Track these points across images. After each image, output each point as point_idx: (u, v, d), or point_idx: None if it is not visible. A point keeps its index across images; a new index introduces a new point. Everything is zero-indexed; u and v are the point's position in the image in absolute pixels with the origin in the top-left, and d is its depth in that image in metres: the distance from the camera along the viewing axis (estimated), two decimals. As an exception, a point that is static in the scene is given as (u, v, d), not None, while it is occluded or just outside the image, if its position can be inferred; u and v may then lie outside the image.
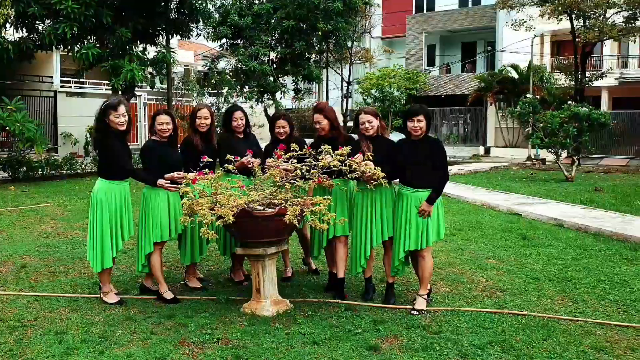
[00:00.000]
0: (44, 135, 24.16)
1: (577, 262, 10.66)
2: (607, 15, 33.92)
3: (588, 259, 10.93)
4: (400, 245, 8.09)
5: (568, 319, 7.65)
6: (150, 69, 27.39)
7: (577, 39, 34.47)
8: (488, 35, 48.92)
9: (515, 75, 40.58)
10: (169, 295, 8.34)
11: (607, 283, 9.32)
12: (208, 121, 8.95)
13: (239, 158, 8.23)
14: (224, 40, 33.06)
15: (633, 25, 33.09)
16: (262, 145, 9.52)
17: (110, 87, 25.97)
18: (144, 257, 8.42)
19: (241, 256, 8.99)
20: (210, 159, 8.30)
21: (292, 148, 7.81)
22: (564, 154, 26.12)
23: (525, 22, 35.68)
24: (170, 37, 28.37)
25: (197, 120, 8.91)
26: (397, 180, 8.30)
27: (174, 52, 27.76)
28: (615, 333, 7.21)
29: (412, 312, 7.88)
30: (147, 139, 9.21)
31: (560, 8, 33.07)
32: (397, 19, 54.16)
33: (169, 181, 8.19)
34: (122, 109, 8.07)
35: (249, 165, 8.32)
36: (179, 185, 7.96)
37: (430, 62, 53.08)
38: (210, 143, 8.97)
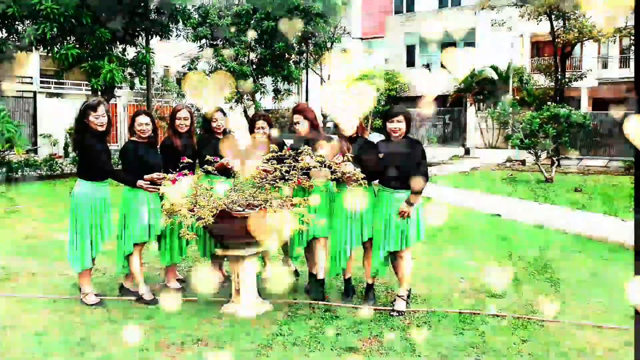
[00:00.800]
0: (23, 136, 24.09)
1: (557, 263, 10.69)
2: (587, 16, 34.06)
3: (568, 260, 10.99)
4: (380, 246, 8.11)
5: (548, 320, 7.69)
6: (129, 70, 27.34)
7: (556, 40, 34.60)
8: (468, 36, 49.02)
9: (495, 76, 40.67)
10: (148, 296, 8.33)
11: (587, 284, 9.38)
12: (188, 122, 8.95)
13: (218, 159, 8.25)
14: (203, 41, 32.99)
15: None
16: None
17: (90, 88, 25.91)
18: (123, 258, 8.42)
19: (221, 257, 8.98)
20: (189, 160, 8.32)
21: (271, 149, 7.82)
22: (543, 155, 26.21)
23: (505, 22, 35.83)
24: (150, 38, 28.26)
25: (176, 121, 8.90)
26: (377, 181, 8.32)
27: (153, 52, 27.69)
28: (593, 334, 7.26)
29: (392, 313, 7.90)
30: (126, 139, 9.19)
31: (540, 9, 33.22)
32: (377, 19, 54.22)
33: (148, 182, 8.19)
34: (101, 109, 8.06)
35: (229, 166, 8.33)
36: (158, 186, 7.97)
37: (410, 62, 53.12)
38: (189, 144, 8.97)
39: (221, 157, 8.43)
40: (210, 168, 7.92)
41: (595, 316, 7.90)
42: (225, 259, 9.12)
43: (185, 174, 7.88)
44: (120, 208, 8.39)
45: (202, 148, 8.92)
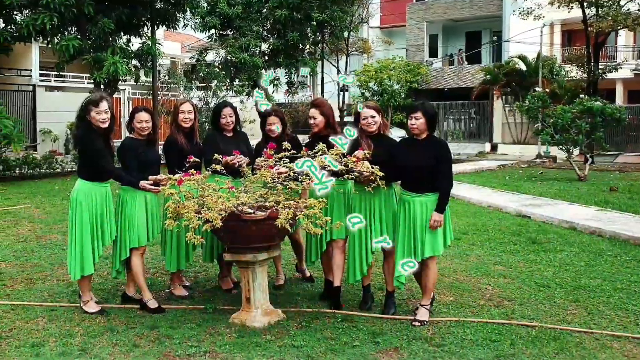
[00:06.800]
0: (22, 132, 24.11)
1: (591, 268, 10.59)
2: (622, 3, 33.79)
3: (603, 265, 10.86)
4: (403, 253, 8.00)
5: (582, 330, 7.58)
6: (134, 62, 27.34)
7: (589, 29, 34.30)
8: (494, 24, 48.77)
9: (523, 67, 40.40)
10: (153, 304, 8.26)
11: (623, 291, 9.25)
12: (192, 116, 8.93)
13: (227, 157, 8.17)
14: (212, 31, 32.90)
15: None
16: (254, 142, 9.45)
17: (92, 81, 25.90)
18: (119, 263, 8.41)
19: (229, 262, 8.90)
20: (196, 159, 8.24)
21: (284, 147, 7.75)
22: (576, 151, 26.07)
23: (533, 10, 35.64)
24: (155, 28, 28.17)
25: (180, 115, 8.87)
26: (399, 182, 8.22)
27: (159, 43, 27.62)
28: (633, 346, 7.15)
29: (414, 322, 7.80)
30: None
31: (571, -5, 33.06)
32: (397, 7, 54.04)
33: (151, 183, 8.13)
34: (104, 105, 7.98)
35: (235, 166, 8.25)
36: (160, 187, 7.92)
37: (433, 53, 52.88)
38: (194, 141, 8.94)
39: (229, 156, 8.36)
40: (218, 167, 7.84)
41: (633, 326, 7.79)
42: (234, 265, 9.04)
43: (192, 174, 7.79)
44: (115, 210, 8.37)
45: (209, 146, 8.88)
